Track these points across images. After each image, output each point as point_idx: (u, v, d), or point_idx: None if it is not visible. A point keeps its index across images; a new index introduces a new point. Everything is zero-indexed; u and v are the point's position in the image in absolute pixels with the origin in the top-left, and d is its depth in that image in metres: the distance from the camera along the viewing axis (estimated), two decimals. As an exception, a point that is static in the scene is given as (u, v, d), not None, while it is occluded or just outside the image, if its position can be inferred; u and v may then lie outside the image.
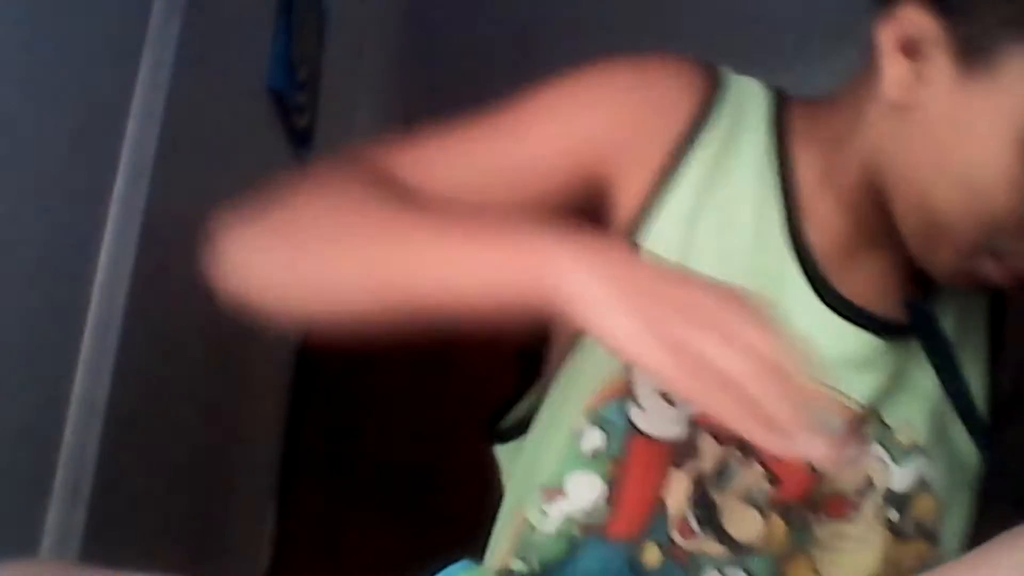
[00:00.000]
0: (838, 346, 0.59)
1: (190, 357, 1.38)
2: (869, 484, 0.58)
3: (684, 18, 3.34)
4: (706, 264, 0.57)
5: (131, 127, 1.08)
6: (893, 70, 0.55)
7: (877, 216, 0.59)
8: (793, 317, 0.56)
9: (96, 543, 1.01)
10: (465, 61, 3.73)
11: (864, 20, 0.59)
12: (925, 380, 0.62)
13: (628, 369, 0.56)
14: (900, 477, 0.59)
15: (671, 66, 0.63)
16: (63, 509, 0.95)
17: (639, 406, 0.56)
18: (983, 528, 0.60)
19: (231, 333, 1.60)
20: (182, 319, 1.32)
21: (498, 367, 2.41)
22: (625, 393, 0.56)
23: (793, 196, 0.60)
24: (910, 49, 0.55)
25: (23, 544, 0.91)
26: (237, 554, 1.75)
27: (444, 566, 0.57)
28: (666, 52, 0.64)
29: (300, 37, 1.86)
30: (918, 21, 0.54)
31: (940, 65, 0.54)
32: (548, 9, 3.33)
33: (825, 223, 0.61)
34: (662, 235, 0.58)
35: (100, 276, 1.02)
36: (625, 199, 0.60)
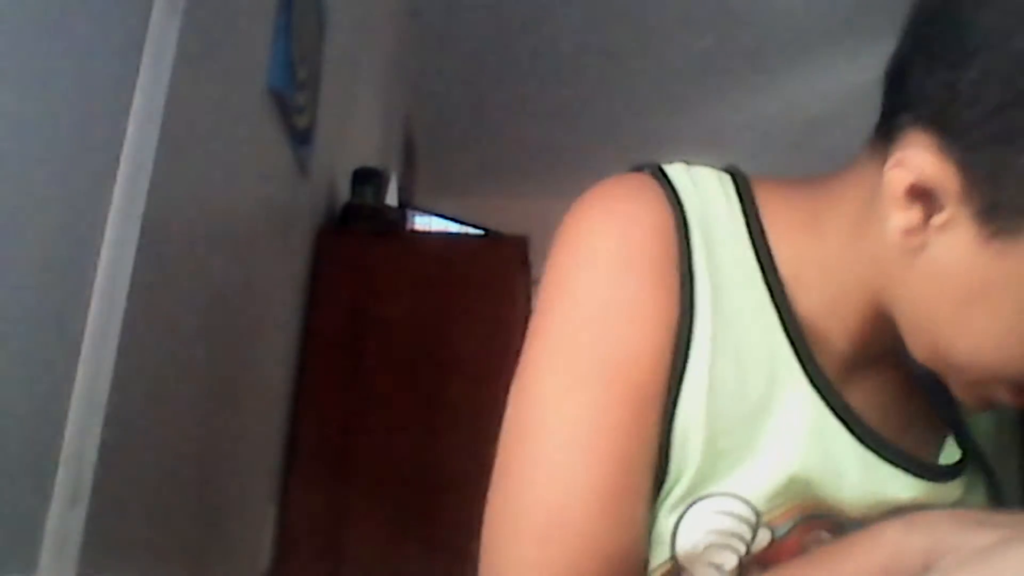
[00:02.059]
0: (877, 483, 0.58)
1: (190, 357, 1.38)
2: None
3: (687, 19, 3.33)
4: (728, 416, 0.55)
5: (131, 127, 1.08)
6: (901, 217, 0.51)
7: (881, 338, 0.57)
8: (834, 460, 0.57)
9: (96, 543, 1.01)
10: (465, 61, 3.73)
11: (863, 25, 0.57)
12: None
13: (675, 550, 0.56)
14: None
15: (638, 214, 0.57)
16: (63, 509, 0.95)
17: None
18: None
19: (231, 333, 1.60)
20: (182, 319, 1.32)
21: (498, 367, 2.41)
22: (679, 569, 0.57)
23: (795, 321, 0.57)
24: (920, 194, 0.50)
25: (23, 544, 0.91)
26: (237, 554, 1.75)
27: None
28: (611, 191, 0.59)
29: (300, 37, 1.86)
30: (933, 170, 0.49)
31: (957, 220, 0.49)
32: (548, 8, 3.33)
33: (830, 346, 0.58)
34: (693, 389, 0.55)
35: (100, 276, 1.02)
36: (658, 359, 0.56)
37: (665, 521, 0.56)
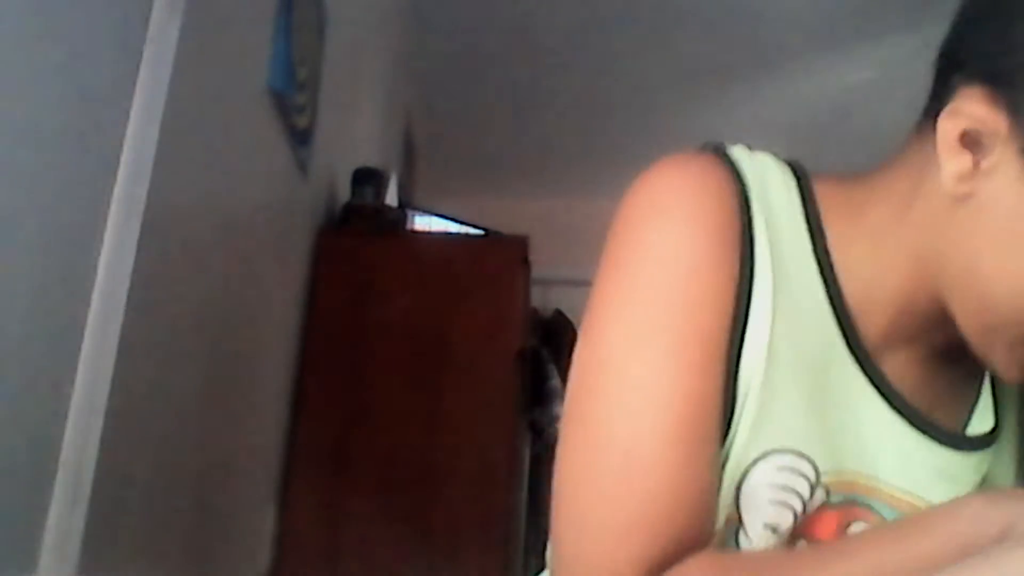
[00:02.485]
0: (907, 449, 0.60)
1: (190, 357, 1.38)
2: None
3: (688, 17, 3.33)
4: (785, 375, 0.57)
5: (131, 127, 1.08)
6: (954, 163, 0.55)
7: (921, 314, 0.60)
8: (871, 426, 0.60)
9: (96, 543, 1.01)
10: (465, 61, 3.73)
11: (867, 23, 0.59)
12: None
13: (739, 505, 0.58)
14: None
15: (705, 178, 0.60)
16: (63, 509, 0.95)
17: (747, 535, 0.59)
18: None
19: (231, 333, 1.60)
20: (182, 319, 1.32)
21: (498, 367, 2.42)
22: (737, 523, 0.59)
23: (840, 295, 0.60)
24: (971, 141, 0.54)
25: (23, 544, 0.91)
26: (237, 554, 1.75)
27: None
28: (679, 160, 0.61)
29: (300, 37, 1.86)
30: (983, 115, 0.53)
31: (1004, 160, 0.53)
32: (549, 8, 3.33)
33: (872, 320, 0.61)
34: (754, 343, 0.58)
35: (100, 276, 1.02)
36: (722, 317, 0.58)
37: (731, 479, 0.57)
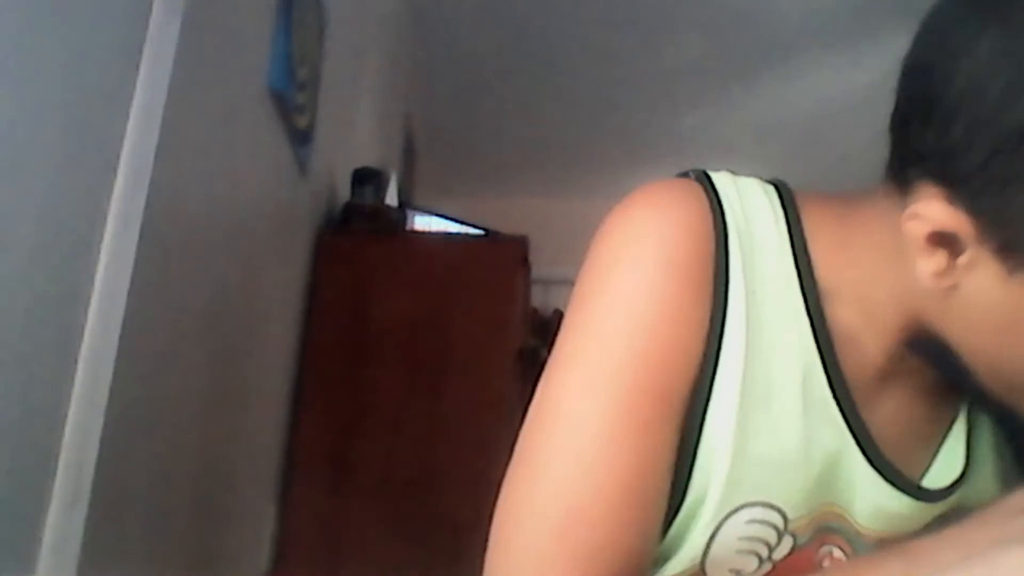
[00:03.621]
0: (880, 500, 0.60)
1: (190, 357, 1.38)
2: None
3: (688, 18, 3.33)
4: (758, 421, 0.56)
5: (131, 127, 1.08)
6: (928, 263, 0.53)
7: (913, 353, 0.58)
8: (848, 473, 0.59)
9: (96, 544, 1.01)
10: (465, 61, 3.73)
11: (867, 23, 0.57)
12: None
13: (706, 555, 0.57)
14: None
15: (682, 217, 0.58)
16: (63, 510, 0.95)
17: None
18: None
19: (232, 333, 1.60)
20: (182, 319, 1.32)
21: (498, 367, 2.42)
22: (700, 572, 0.58)
23: (827, 332, 0.58)
24: (941, 241, 0.52)
25: (23, 544, 0.91)
26: (238, 554, 1.75)
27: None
28: (656, 193, 0.59)
29: (300, 37, 1.86)
30: (946, 219, 0.51)
31: (981, 258, 0.51)
32: (549, 9, 3.33)
33: (863, 358, 0.60)
34: (723, 396, 0.56)
35: (100, 276, 1.02)
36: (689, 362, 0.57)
37: (701, 535, 0.56)
